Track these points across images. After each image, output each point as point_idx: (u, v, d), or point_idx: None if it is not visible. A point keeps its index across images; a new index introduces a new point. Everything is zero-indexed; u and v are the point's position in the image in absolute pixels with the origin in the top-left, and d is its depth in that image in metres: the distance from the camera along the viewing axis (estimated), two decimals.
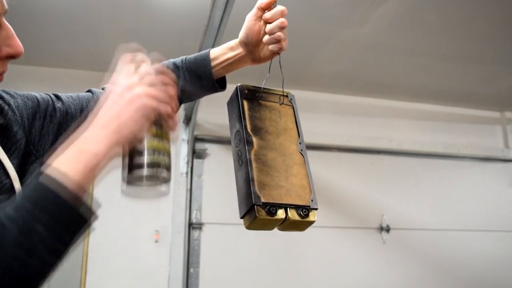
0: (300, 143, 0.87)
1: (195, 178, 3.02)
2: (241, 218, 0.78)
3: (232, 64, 0.92)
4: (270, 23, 0.83)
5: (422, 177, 3.46)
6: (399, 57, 2.86)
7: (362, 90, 3.38)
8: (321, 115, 3.35)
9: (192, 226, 2.93)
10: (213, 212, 2.99)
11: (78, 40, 2.60)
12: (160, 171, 0.63)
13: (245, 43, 0.87)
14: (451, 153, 3.53)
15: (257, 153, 0.79)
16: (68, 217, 0.55)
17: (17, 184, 0.69)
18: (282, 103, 0.89)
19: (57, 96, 0.87)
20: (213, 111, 2.99)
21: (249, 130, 0.81)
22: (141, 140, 0.62)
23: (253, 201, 0.73)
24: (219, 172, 3.07)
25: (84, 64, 2.89)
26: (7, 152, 0.71)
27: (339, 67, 2.98)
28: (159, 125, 0.64)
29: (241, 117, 0.82)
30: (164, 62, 0.94)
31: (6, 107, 0.77)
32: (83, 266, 2.71)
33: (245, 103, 0.84)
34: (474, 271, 3.34)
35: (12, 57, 0.69)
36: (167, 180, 0.64)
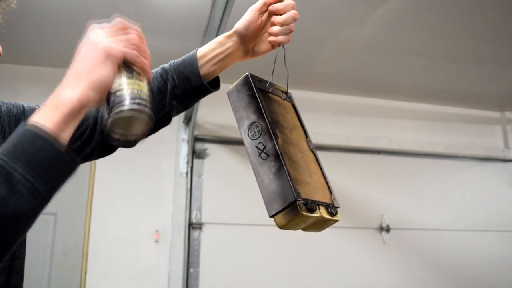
0: (309, 140, 0.84)
1: (195, 178, 3.02)
2: (273, 216, 0.69)
3: (223, 60, 0.88)
4: (281, 14, 0.83)
5: (422, 177, 3.46)
6: (399, 57, 2.86)
7: (362, 90, 3.38)
8: (321, 115, 3.35)
9: (192, 226, 2.93)
10: (213, 212, 2.99)
11: (78, 40, 2.59)
12: (139, 101, 0.62)
13: (242, 35, 0.86)
14: (451, 153, 3.53)
15: (283, 147, 0.73)
16: (48, 158, 0.57)
17: None
18: (286, 99, 0.87)
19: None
20: (213, 111, 3.00)
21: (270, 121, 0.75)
22: (114, 81, 0.64)
23: (295, 197, 0.67)
24: (219, 172, 3.07)
25: None
26: None
27: (339, 67, 2.98)
28: (130, 68, 0.66)
29: (260, 107, 0.76)
30: (153, 70, 0.92)
31: None
32: (83, 266, 2.71)
33: (259, 93, 0.79)
34: (474, 271, 3.34)
35: None
36: (148, 116, 0.63)
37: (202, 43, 2.12)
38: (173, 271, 2.82)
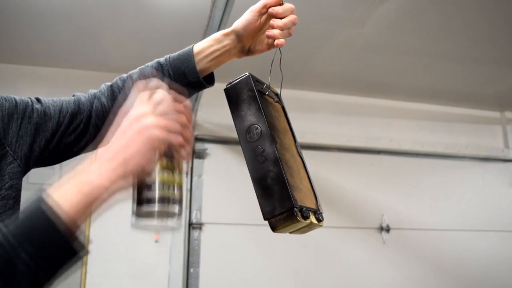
0: (298, 145, 0.84)
1: (195, 178, 3.02)
2: (269, 219, 0.71)
3: (219, 57, 0.88)
4: (281, 18, 0.83)
5: (422, 177, 3.46)
6: (399, 57, 2.86)
7: (362, 90, 3.38)
8: (321, 115, 3.35)
9: (192, 226, 2.93)
10: (213, 212, 2.99)
11: (78, 40, 2.60)
12: (171, 206, 0.60)
13: (240, 34, 0.87)
14: (451, 153, 3.53)
15: (280, 152, 0.73)
16: (56, 250, 0.54)
17: None
18: (277, 101, 0.87)
19: (37, 99, 0.87)
20: (213, 111, 2.99)
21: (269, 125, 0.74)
22: (150, 173, 0.59)
23: (294, 204, 0.68)
24: (219, 172, 3.07)
25: (84, 64, 2.89)
26: None
27: (339, 67, 2.98)
28: (171, 156, 0.61)
29: (260, 110, 0.75)
30: (148, 63, 0.92)
31: None
32: (83, 266, 2.71)
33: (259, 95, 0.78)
34: (474, 271, 3.34)
35: None
36: (177, 215, 0.61)
37: None
38: (173, 271, 2.82)
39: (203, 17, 2.03)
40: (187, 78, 0.88)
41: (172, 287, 2.79)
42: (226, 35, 0.88)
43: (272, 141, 0.72)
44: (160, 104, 0.62)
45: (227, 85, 0.81)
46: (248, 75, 0.79)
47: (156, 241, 2.84)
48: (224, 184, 3.06)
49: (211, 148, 3.09)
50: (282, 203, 0.69)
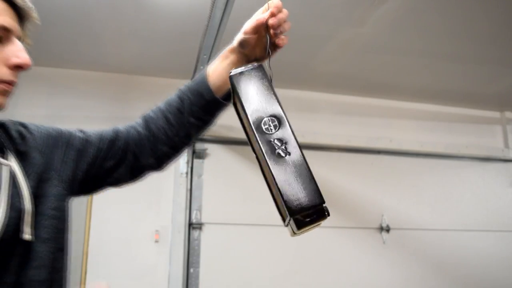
0: None
1: (195, 178, 3.02)
2: (295, 216, 0.65)
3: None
4: (276, 27, 0.84)
5: (422, 177, 3.46)
6: (399, 57, 2.85)
7: (362, 90, 3.38)
8: (321, 115, 3.35)
9: (192, 226, 2.93)
10: (213, 212, 2.99)
11: (78, 40, 2.59)
12: None
13: (240, 51, 0.91)
14: (451, 153, 3.53)
15: None
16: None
17: (27, 204, 0.75)
18: None
19: (80, 130, 0.97)
20: None
21: None
22: None
23: (323, 199, 0.65)
24: (219, 172, 3.07)
25: (84, 64, 2.89)
26: (25, 174, 0.79)
27: (339, 67, 2.98)
28: None
29: (278, 100, 0.71)
30: (169, 97, 0.99)
31: (28, 135, 0.86)
32: (83, 266, 2.71)
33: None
34: (474, 271, 3.34)
35: (20, 67, 0.77)
36: None
37: (202, 43, 2.12)
38: (173, 271, 2.82)
39: (203, 17, 2.03)
40: (204, 98, 0.94)
41: (172, 287, 2.79)
42: (231, 51, 0.93)
43: (293, 133, 0.69)
44: None
45: (233, 72, 0.77)
46: (260, 64, 0.77)
47: (156, 241, 2.84)
48: (224, 184, 3.06)
49: (211, 148, 3.09)
50: (311, 198, 0.64)
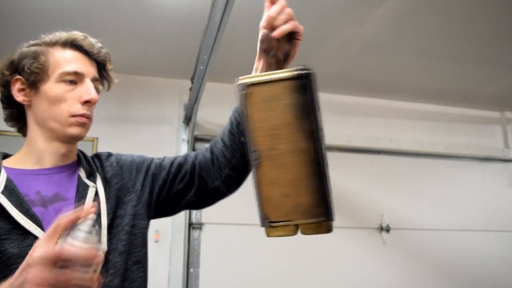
0: None
1: None
2: (328, 221, 0.71)
3: None
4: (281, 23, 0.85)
5: (422, 177, 3.46)
6: (399, 57, 2.85)
7: (362, 90, 3.38)
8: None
9: (192, 226, 2.93)
10: (213, 212, 2.97)
11: None
12: None
13: (264, 57, 0.91)
14: (451, 153, 3.53)
15: None
16: None
17: (104, 221, 0.88)
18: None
19: (160, 158, 1.07)
20: (213, 111, 2.99)
21: None
22: None
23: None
24: None
25: None
26: (106, 195, 0.93)
27: (339, 67, 2.98)
28: None
29: (318, 112, 0.75)
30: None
31: (114, 164, 1.01)
32: None
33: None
34: (474, 271, 3.34)
35: (89, 102, 0.93)
36: None
37: (202, 43, 2.12)
38: (173, 271, 2.82)
39: (203, 16, 2.02)
40: None
41: (172, 287, 2.79)
42: (258, 60, 0.91)
43: (324, 146, 0.74)
44: (51, 256, 0.61)
45: (307, 70, 0.77)
46: (311, 72, 0.77)
47: (156, 241, 2.84)
48: None
49: None
50: (331, 205, 0.71)
